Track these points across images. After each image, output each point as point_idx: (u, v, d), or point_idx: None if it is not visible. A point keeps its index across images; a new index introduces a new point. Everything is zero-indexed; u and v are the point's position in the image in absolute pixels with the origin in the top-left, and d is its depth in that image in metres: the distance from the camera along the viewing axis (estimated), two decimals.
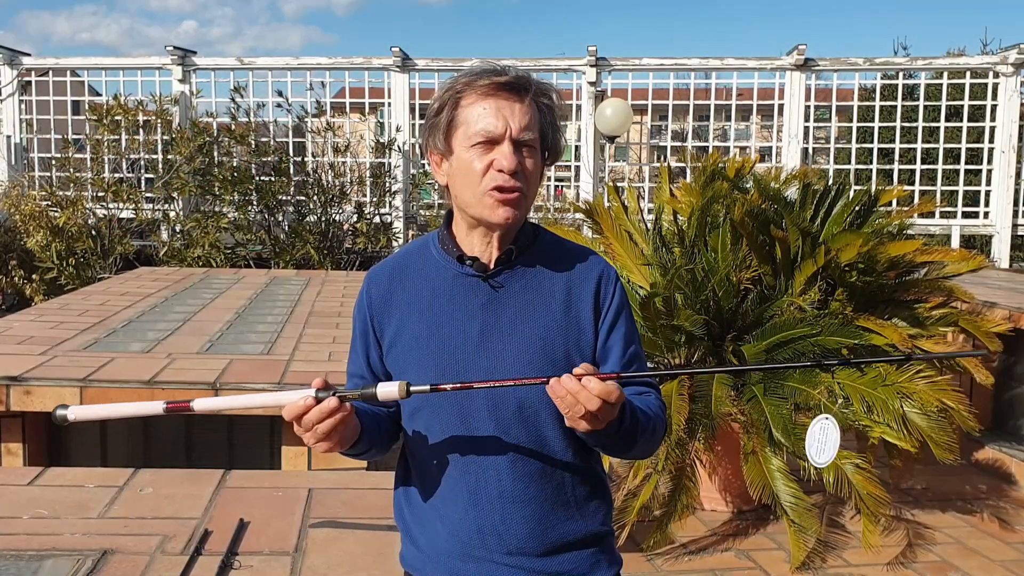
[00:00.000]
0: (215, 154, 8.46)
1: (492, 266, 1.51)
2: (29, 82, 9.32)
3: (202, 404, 1.42)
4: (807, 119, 8.86)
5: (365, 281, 1.61)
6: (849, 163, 8.94)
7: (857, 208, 4.39)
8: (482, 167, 1.43)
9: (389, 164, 8.70)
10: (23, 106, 9.32)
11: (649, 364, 3.55)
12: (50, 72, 9.41)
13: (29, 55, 9.34)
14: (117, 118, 8.53)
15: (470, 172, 1.44)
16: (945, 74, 9.00)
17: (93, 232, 8.07)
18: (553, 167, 1.62)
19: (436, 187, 9.26)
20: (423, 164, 9.32)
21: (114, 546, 1.69)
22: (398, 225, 8.67)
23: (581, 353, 1.52)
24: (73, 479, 2.07)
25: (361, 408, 1.52)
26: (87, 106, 9.27)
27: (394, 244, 8.42)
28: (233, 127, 8.44)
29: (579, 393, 1.32)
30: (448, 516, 1.54)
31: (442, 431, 1.52)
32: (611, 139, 8.53)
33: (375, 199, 8.58)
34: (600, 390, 1.32)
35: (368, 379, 1.61)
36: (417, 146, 9.03)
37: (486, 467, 1.51)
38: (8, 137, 9.21)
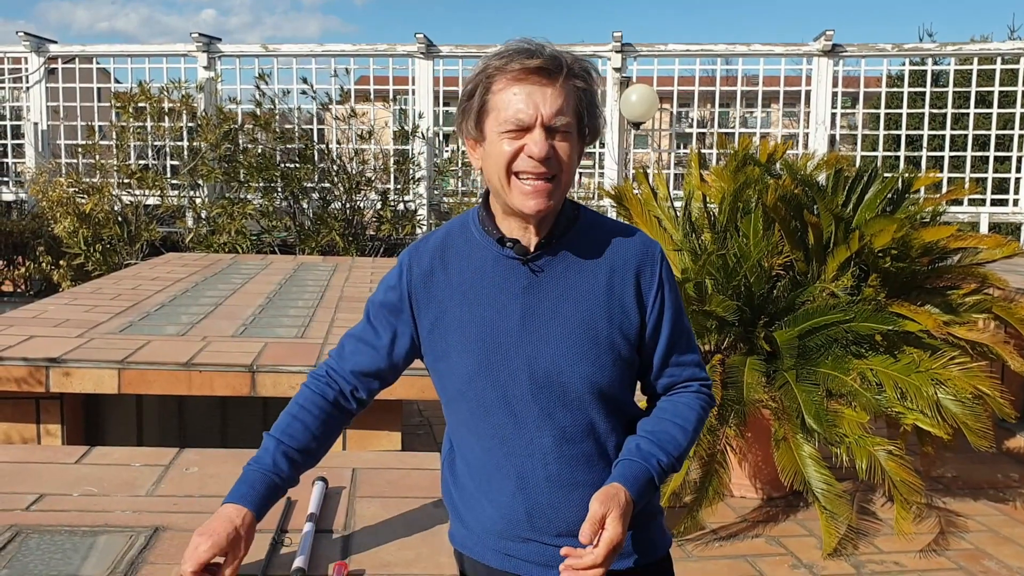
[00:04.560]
0: (240, 141, 8.49)
1: (532, 249, 1.50)
2: (54, 69, 9.37)
3: None
4: (834, 106, 8.78)
5: (406, 256, 1.59)
6: (876, 150, 8.85)
7: (889, 195, 4.35)
8: (511, 152, 1.41)
9: (413, 151, 8.70)
10: (49, 93, 9.38)
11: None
12: (76, 59, 9.46)
13: (56, 42, 9.39)
14: (141, 105, 8.57)
15: (501, 157, 1.42)
16: (975, 60, 8.88)
17: (119, 218, 8.13)
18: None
19: (458, 174, 9.29)
20: (446, 151, 9.31)
21: (165, 523, 1.71)
22: (422, 212, 8.67)
23: (625, 336, 1.51)
24: (119, 458, 2.09)
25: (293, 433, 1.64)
26: (112, 93, 9.33)
27: (418, 231, 8.43)
28: (258, 113, 8.46)
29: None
30: (496, 499, 1.54)
31: (486, 416, 1.52)
32: (636, 125, 8.49)
33: (399, 186, 8.58)
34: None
35: (380, 350, 1.59)
36: (440, 134, 9.01)
37: (532, 452, 1.51)
38: (35, 124, 9.28)
